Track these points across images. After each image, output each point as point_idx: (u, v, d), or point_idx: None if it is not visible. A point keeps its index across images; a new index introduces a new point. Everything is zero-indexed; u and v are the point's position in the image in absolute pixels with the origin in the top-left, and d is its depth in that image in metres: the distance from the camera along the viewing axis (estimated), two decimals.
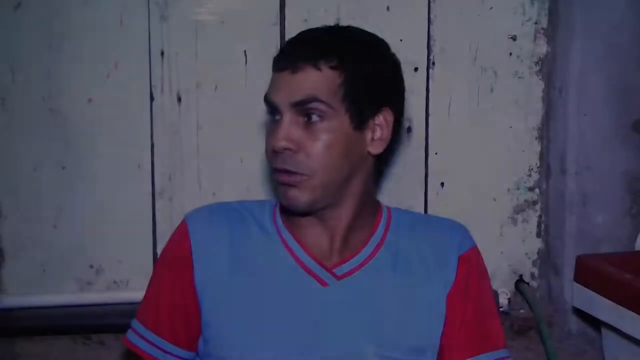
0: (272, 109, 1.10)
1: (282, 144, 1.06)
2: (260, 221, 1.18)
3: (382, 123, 1.11)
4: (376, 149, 1.12)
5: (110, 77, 1.50)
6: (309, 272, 1.13)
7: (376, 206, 1.21)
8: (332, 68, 1.07)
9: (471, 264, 1.17)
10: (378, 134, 1.12)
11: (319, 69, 1.07)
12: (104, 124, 1.50)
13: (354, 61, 1.08)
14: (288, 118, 1.07)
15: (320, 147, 1.07)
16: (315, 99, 1.06)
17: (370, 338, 1.11)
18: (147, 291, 1.19)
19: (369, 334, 1.11)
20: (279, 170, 1.09)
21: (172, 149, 1.53)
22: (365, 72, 1.09)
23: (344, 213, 1.13)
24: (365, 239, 1.16)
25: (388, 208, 1.22)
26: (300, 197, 1.08)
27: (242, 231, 1.16)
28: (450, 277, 1.15)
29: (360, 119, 1.09)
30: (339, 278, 1.13)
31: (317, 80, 1.07)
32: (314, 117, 1.07)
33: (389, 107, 1.12)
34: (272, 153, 1.09)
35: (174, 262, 1.15)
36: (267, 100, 1.11)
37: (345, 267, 1.14)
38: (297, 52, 1.09)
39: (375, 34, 1.19)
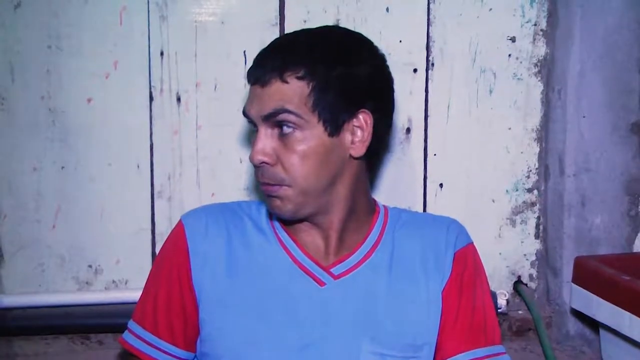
0: (251, 122, 1.12)
1: (258, 158, 1.08)
2: (258, 222, 1.18)
3: (361, 125, 1.10)
4: (357, 151, 1.11)
5: (109, 77, 1.50)
6: (306, 272, 1.13)
7: (373, 206, 1.21)
8: (299, 78, 1.07)
9: (467, 260, 1.17)
10: (358, 136, 1.11)
11: (285, 81, 1.07)
12: (103, 124, 1.50)
13: (322, 68, 1.07)
14: (263, 131, 1.09)
15: (295, 158, 1.07)
16: (283, 110, 1.06)
17: (368, 336, 1.11)
18: (144, 292, 1.19)
19: (367, 332, 1.11)
20: (261, 182, 1.11)
21: (171, 149, 1.53)
22: (336, 78, 1.07)
23: (334, 217, 1.13)
24: (362, 238, 1.17)
25: (385, 207, 1.23)
26: (283, 206, 1.10)
27: (239, 231, 1.16)
28: (446, 273, 1.16)
29: (335, 125, 1.08)
30: (336, 277, 1.13)
31: (284, 92, 1.06)
32: (286, 128, 1.07)
33: (367, 108, 1.10)
34: (254, 166, 1.11)
35: (171, 263, 1.16)
36: (244, 113, 1.12)
37: (342, 267, 1.14)
38: (265, 65, 1.09)
39: (354, 32, 1.18)
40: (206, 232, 1.15)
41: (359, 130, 1.11)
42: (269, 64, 1.08)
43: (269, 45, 1.14)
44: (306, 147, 1.07)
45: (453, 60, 1.56)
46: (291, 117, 1.06)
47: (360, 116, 1.10)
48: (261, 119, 1.08)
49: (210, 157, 1.54)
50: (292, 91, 1.06)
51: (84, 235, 1.53)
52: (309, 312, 1.11)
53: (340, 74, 1.08)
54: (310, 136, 1.07)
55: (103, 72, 1.49)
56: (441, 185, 1.59)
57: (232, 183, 1.54)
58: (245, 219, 1.18)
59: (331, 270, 1.14)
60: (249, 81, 1.12)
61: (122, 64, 1.50)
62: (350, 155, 1.11)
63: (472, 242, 1.21)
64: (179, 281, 1.14)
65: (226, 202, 1.24)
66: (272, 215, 1.18)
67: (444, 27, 1.55)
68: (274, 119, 1.07)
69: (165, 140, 1.52)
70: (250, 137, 1.13)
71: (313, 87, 1.06)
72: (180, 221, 1.18)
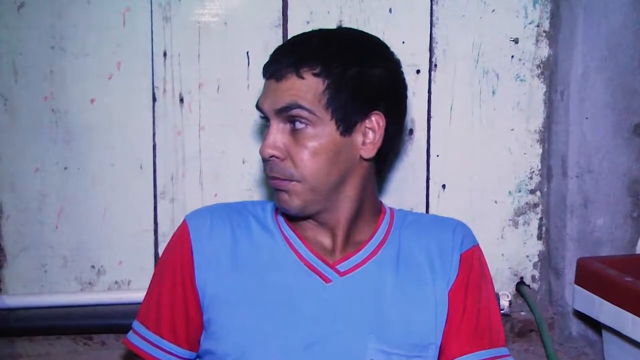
0: (263, 116, 1.13)
1: (268, 151, 1.09)
2: (262, 220, 1.18)
3: (373, 127, 1.11)
4: (367, 153, 1.12)
5: (112, 77, 1.50)
6: (312, 269, 1.13)
7: (379, 207, 1.21)
8: (315, 75, 1.07)
9: (473, 262, 1.18)
10: (370, 137, 1.11)
11: (301, 76, 1.08)
12: (106, 124, 1.50)
13: (339, 67, 1.08)
14: (275, 125, 1.10)
15: (306, 154, 1.08)
16: (296, 106, 1.07)
17: (373, 334, 1.11)
18: (148, 292, 1.19)
19: (372, 331, 1.11)
20: (269, 176, 1.11)
21: (174, 149, 1.53)
22: (351, 77, 1.08)
23: (341, 216, 1.14)
24: (368, 236, 1.17)
25: (391, 209, 1.23)
26: (291, 201, 1.10)
27: (243, 230, 1.16)
28: (452, 274, 1.16)
29: (347, 124, 1.09)
30: (342, 275, 1.13)
31: (299, 87, 1.07)
32: (298, 124, 1.08)
33: (381, 110, 1.11)
34: (263, 159, 1.11)
35: (175, 263, 1.16)
36: (257, 107, 1.13)
37: (349, 264, 1.14)
38: (282, 60, 1.10)
39: (371, 35, 1.19)
40: (210, 232, 1.15)
41: (370, 132, 1.11)
42: (286, 59, 1.09)
43: (286, 42, 1.16)
44: (317, 144, 1.07)
45: (456, 62, 1.56)
46: (304, 113, 1.07)
47: (373, 118, 1.11)
48: (274, 113, 1.09)
49: (213, 157, 1.54)
50: (307, 87, 1.07)
51: (87, 235, 1.53)
52: (315, 310, 1.11)
53: (356, 74, 1.09)
54: (322, 133, 1.08)
55: (106, 72, 1.49)
56: (444, 186, 1.59)
57: (235, 184, 1.54)
58: (251, 219, 1.18)
59: (337, 267, 1.14)
60: (264, 76, 1.13)
61: (125, 64, 1.50)
62: (361, 157, 1.12)
63: (478, 244, 1.21)
64: (182, 281, 1.14)
65: (230, 202, 1.24)
66: (277, 212, 1.18)
67: (446, 28, 1.55)
68: (287, 114, 1.08)
69: (168, 141, 1.52)
70: (262, 132, 1.13)
71: (328, 84, 1.07)
72: (184, 221, 1.18)
